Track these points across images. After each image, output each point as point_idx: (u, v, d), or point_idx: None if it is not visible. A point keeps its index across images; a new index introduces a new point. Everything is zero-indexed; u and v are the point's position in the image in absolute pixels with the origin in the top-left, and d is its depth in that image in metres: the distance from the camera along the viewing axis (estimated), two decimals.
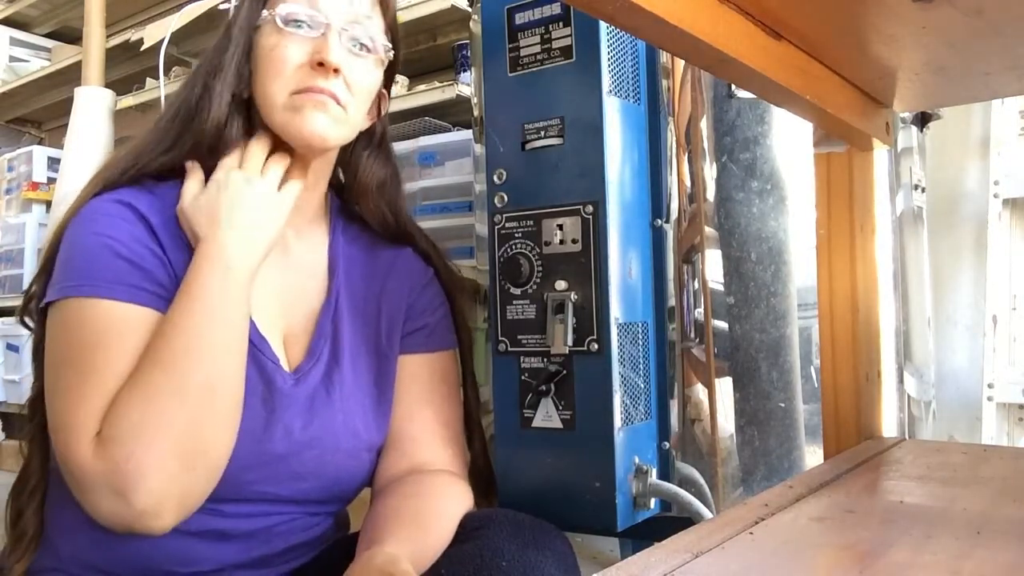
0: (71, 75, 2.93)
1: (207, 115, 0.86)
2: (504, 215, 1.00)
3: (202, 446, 0.74)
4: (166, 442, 0.72)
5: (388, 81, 0.97)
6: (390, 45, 0.93)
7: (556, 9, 0.97)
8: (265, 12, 0.87)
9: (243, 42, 0.88)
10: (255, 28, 0.88)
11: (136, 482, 0.71)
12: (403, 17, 1.89)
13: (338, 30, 0.86)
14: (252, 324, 0.85)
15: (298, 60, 0.85)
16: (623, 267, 0.96)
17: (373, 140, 0.99)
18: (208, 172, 0.86)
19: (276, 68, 0.85)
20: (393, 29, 0.94)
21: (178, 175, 0.87)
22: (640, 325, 0.99)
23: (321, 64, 0.84)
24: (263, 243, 0.83)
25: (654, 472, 0.98)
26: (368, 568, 0.71)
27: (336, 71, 0.85)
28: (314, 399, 0.87)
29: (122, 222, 0.81)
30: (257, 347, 0.85)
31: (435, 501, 0.85)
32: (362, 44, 0.89)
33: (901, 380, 1.18)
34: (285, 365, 0.87)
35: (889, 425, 1.00)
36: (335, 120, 0.86)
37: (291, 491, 0.86)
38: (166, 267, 0.81)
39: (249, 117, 0.88)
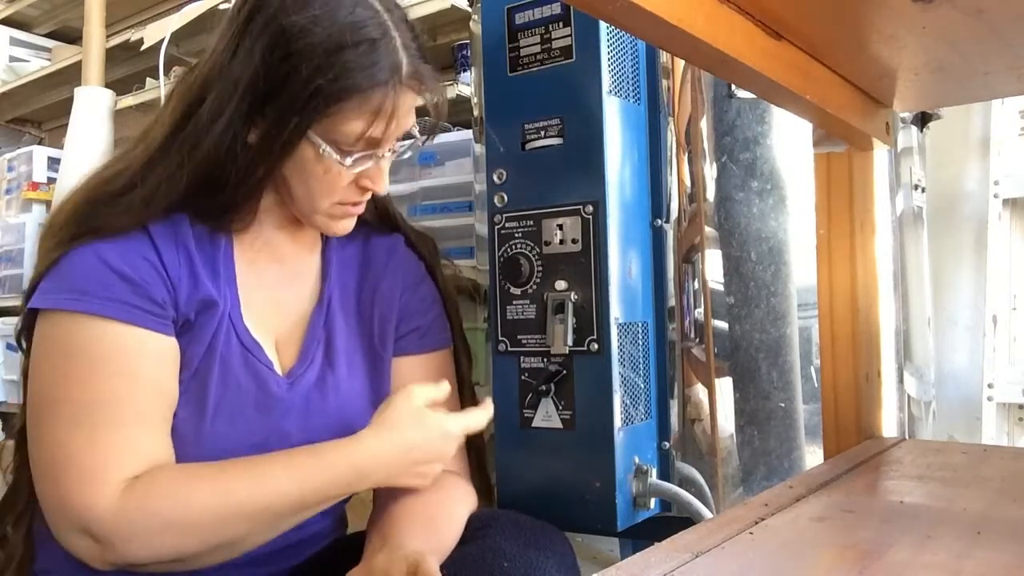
0: (71, 75, 2.92)
1: (242, 196, 0.83)
2: (504, 215, 0.99)
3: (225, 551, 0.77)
4: (189, 542, 0.74)
5: None
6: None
7: (556, 9, 0.97)
8: (321, 142, 0.80)
9: (279, 152, 0.81)
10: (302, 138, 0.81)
11: (135, 552, 0.72)
12: None
13: (389, 155, 0.85)
14: (245, 329, 0.85)
15: (347, 180, 0.84)
16: (623, 267, 0.96)
17: None
18: (211, 206, 0.84)
19: (326, 190, 0.83)
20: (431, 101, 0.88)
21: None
22: (640, 325, 0.99)
23: (367, 188, 0.85)
24: (401, 482, 0.82)
25: (654, 472, 0.98)
26: (392, 558, 0.72)
27: None
28: (309, 402, 0.86)
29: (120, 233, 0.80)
30: (251, 351, 0.84)
31: (445, 503, 0.86)
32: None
33: (901, 380, 1.18)
34: (278, 369, 0.87)
35: (889, 425, 1.00)
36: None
37: None
38: (164, 280, 0.80)
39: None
